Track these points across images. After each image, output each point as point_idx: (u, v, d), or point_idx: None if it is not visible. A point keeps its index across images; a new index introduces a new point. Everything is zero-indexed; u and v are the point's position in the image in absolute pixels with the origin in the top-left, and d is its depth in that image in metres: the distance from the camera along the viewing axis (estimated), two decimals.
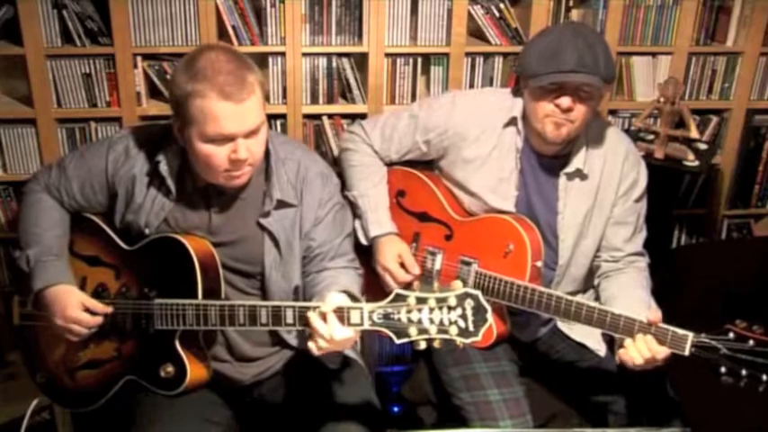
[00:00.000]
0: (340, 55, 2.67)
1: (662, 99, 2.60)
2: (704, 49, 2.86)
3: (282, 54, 2.62)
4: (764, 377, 1.70)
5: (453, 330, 1.54)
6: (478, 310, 1.53)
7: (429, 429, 2.36)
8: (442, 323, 1.54)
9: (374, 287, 2.17)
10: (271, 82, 2.64)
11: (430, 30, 2.67)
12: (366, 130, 2.27)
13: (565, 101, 1.95)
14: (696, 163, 2.64)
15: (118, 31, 2.50)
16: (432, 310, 1.55)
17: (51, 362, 2.01)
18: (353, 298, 1.74)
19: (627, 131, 2.78)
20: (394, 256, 2.16)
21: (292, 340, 1.98)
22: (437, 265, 2.19)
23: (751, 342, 1.71)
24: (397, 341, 1.57)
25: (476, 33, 2.76)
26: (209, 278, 1.83)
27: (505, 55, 2.74)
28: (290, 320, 1.73)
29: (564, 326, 2.19)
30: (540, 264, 2.05)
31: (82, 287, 1.92)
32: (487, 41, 2.72)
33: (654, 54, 2.84)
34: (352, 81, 2.69)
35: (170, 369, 1.84)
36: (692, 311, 2.21)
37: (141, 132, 1.96)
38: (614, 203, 2.12)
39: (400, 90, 2.73)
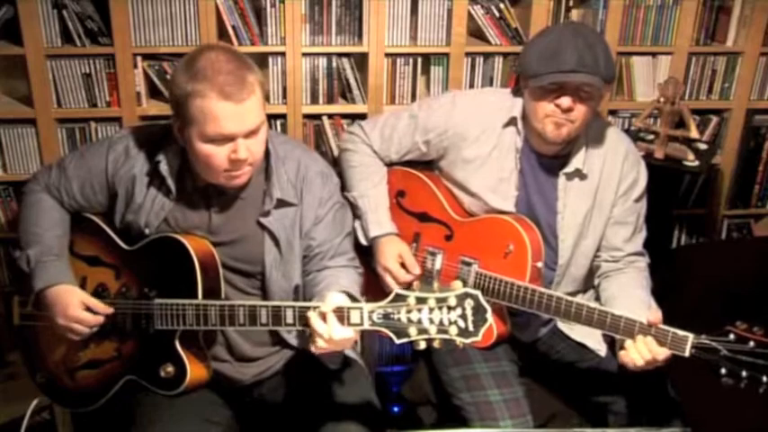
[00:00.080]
0: (340, 55, 2.66)
1: (662, 99, 2.60)
2: (704, 49, 2.86)
3: (282, 54, 2.62)
4: (765, 379, 1.70)
5: (453, 330, 1.54)
6: (478, 311, 1.53)
7: (429, 429, 2.36)
8: (441, 323, 1.54)
9: (374, 287, 2.17)
10: (271, 82, 2.64)
11: (430, 30, 2.67)
12: (366, 130, 2.27)
13: (565, 101, 1.95)
14: (696, 163, 2.64)
15: (118, 31, 2.50)
16: (431, 310, 1.55)
17: (51, 362, 2.01)
18: (353, 298, 1.74)
19: (627, 131, 2.78)
20: (394, 256, 2.16)
21: (292, 340, 1.98)
22: (437, 266, 2.19)
23: (751, 343, 1.71)
24: (397, 341, 1.57)
25: (476, 33, 2.76)
26: (209, 278, 1.83)
27: (505, 55, 2.74)
28: (290, 320, 1.72)
29: (564, 326, 2.19)
30: (540, 264, 2.05)
31: (82, 287, 1.92)
32: (487, 41, 2.72)
33: (654, 54, 2.84)
34: (352, 81, 2.69)
35: (170, 369, 1.84)
36: (692, 311, 2.21)
37: (141, 132, 1.96)
38: (614, 203, 2.12)
39: (400, 90, 2.73)
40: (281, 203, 1.88)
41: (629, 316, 1.85)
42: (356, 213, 2.19)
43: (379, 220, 2.18)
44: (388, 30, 2.64)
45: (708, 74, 2.89)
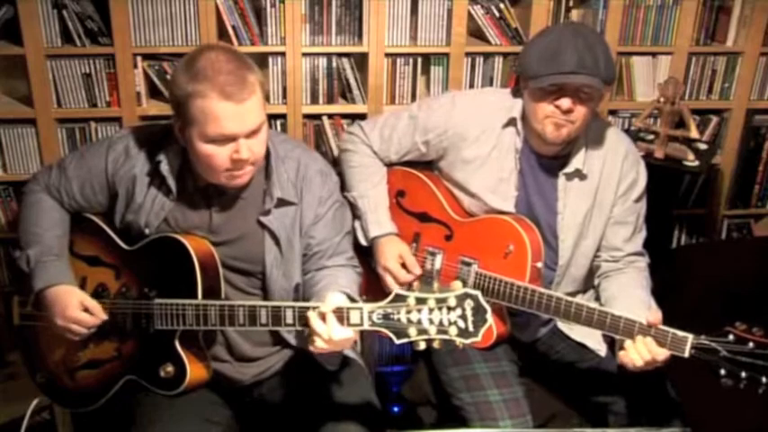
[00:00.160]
0: (340, 55, 2.66)
1: (662, 99, 2.60)
2: (704, 49, 2.86)
3: (282, 54, 2.62)
4: (764, 379, 1.70)
5: (453, 331, 1.54)
6: (478, 311, 1.53)
7: (429, 429, 2.36)
8: (441, 323, 1.54)
9: (374, 287, 2.17)
10: (271, 82, 2.64)
11: (430, 30, 2.67)
12: (365, 130, 2.27)
13: (565, 102, 1.95)
14: (696, 163, 2.64)
15: (118, 31, 2.50)
16: (431, 310, 1.54)
17: (51, 362, 2.01)
18: (352, 299, 1.75)
19: (627, 131, 2.78)
20: (395, 256, 2.16)
21: (292, 340, 1.98)
22: (437, 266, 2.19)
23: (751, 344, 1.71)
24: (397, 341, 1.57)
25: (476, 33, 2.76)
26: (208, 278, 1.83)
27: (505, 55, 2.74)
28: (289, 321, 1.72)
29: (564, 326, 2.19)
30: (540, 265, 2.05)
31: (82, 287, 1.92)
32: (487, 41, 2.72)
33: (654, 54, 2.84)
34: (352, 81, 2.69)
35: (170, 369, 1.84)
36: (692, 311, 2.21)
37: (141, 132, 1.96)
38: (614, 203, 2.12)
39: (400, 90, 2.73)
40: (282, 202, 1.88)
41: (628, 316, 1.85)
42: (356, 214, 2.19)
43: (379, 221, 2.18)
44: (388, 30, 2.64)
45: (708, 74, 2.89)
